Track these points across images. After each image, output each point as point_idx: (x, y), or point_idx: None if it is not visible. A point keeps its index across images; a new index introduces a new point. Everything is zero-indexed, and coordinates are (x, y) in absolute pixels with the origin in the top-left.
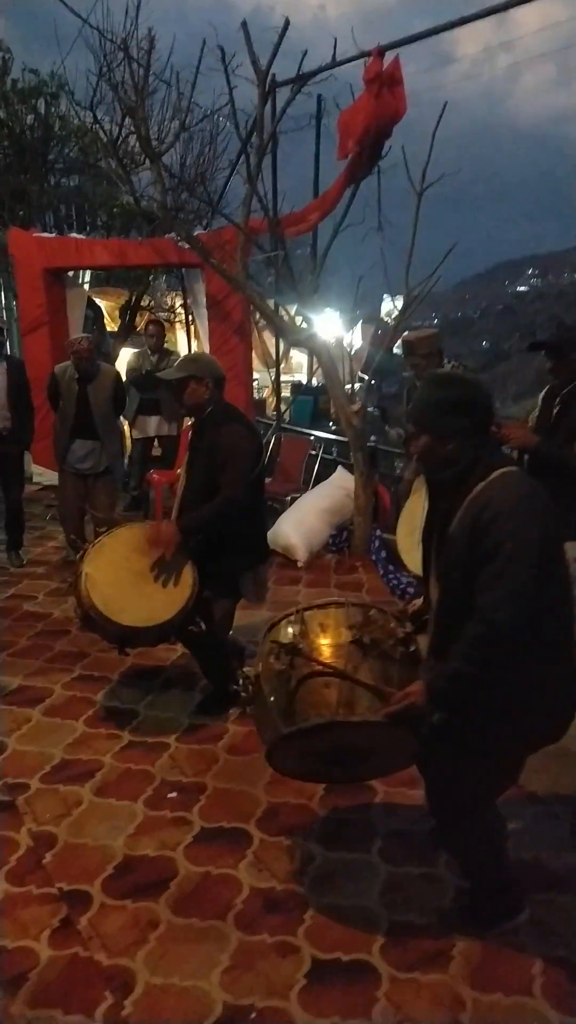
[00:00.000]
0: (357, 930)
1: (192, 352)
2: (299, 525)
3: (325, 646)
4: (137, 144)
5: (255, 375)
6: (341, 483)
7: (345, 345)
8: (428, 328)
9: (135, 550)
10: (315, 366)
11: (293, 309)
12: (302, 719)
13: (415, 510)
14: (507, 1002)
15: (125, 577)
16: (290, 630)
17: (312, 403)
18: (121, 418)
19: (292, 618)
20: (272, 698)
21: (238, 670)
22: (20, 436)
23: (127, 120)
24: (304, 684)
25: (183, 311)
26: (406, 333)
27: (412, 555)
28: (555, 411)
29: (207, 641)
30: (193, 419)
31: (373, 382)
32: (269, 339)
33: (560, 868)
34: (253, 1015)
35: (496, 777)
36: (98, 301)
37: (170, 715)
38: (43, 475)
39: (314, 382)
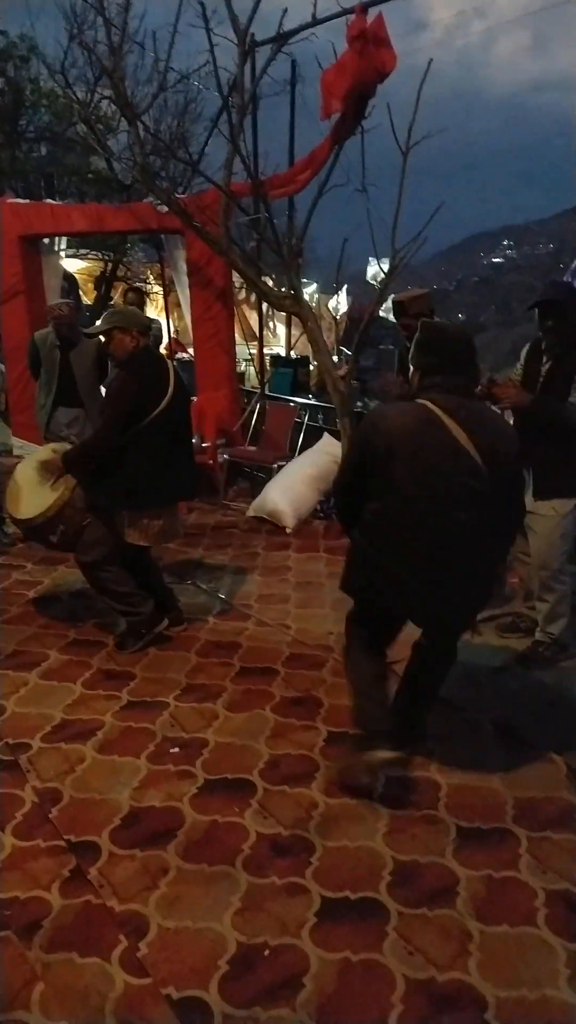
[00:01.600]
0: (363, 870)
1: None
2: (286, 492)
3: None
4: (109, 108)
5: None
6: (328, 449)
7: (332, 310)
8: (419, 289)
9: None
10: (294, 339)
11: (273, 277)
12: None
13: None
14: (513, 932)
15: (28, 485)
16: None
17: (292, 375)
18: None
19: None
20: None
21: (140, 605)
22: None
23: (99, 83)
24: None
25: (158, 283)
26: (393, 296)
27: None
28: (545, 367)
29: (80, 561)
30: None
31: (350, 354)
32: (250, 314)
33: (554, 809)
34: (267, 952)
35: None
36: (73, 272)
37: (169, 676)
38: (23, 448)
39: (293, 354)
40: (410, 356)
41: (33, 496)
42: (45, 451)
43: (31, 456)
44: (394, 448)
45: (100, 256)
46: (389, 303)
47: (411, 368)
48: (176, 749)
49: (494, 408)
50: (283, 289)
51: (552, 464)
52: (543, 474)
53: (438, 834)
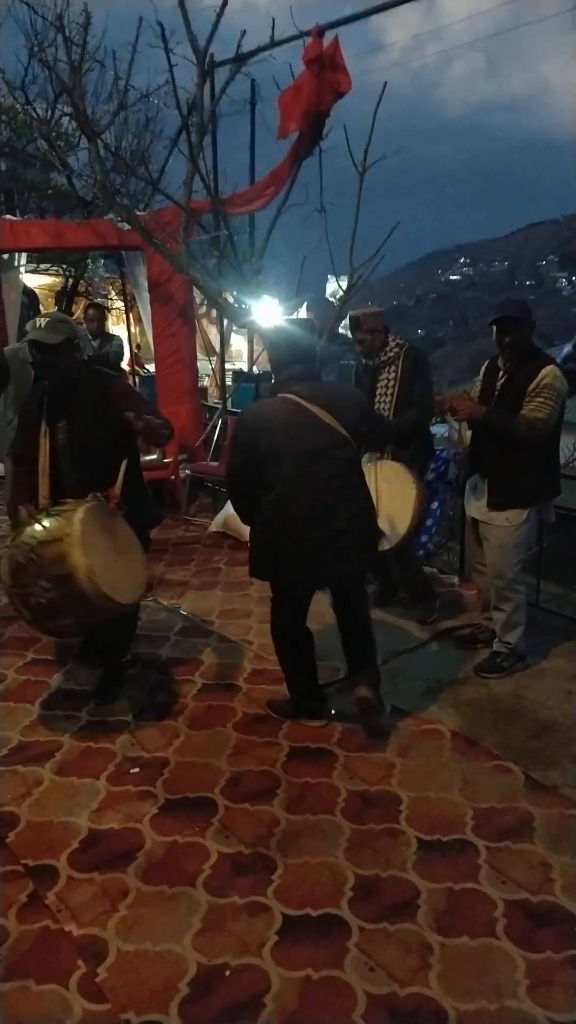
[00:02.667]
0: (325, 886)
1: (56, 312)
2: None
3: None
4: (70, 125)
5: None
6: None
7: None
8: (375, 307)
9: (102, 530)
10: (256, 354)
11: (234, 295)
12: None
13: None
14: (473, 944)
15: (111, 558)
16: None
17: (254, 390)
18: None
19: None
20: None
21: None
22: None
23: (59, 100)
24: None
25: (120, 298)
26: (350, 312)
27: None
28: (500, 382)
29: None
30: (53, 386)
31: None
32: (210, 328)
33: (513, 819)
34: (227, 972)
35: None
36: (33, 287)
37: (128, 695)
38: None
39: (255, 370)
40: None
41: (124, 573)
42: (88, 514)
43: (81, 536)
44: (275, 442)
45: (60, 271)
46: (348, 320)
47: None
48: (136, 769)
49: (451, 420)
50: (243, 306)
51: (506, 475)
52: (497, 484)
53: (399, 847)
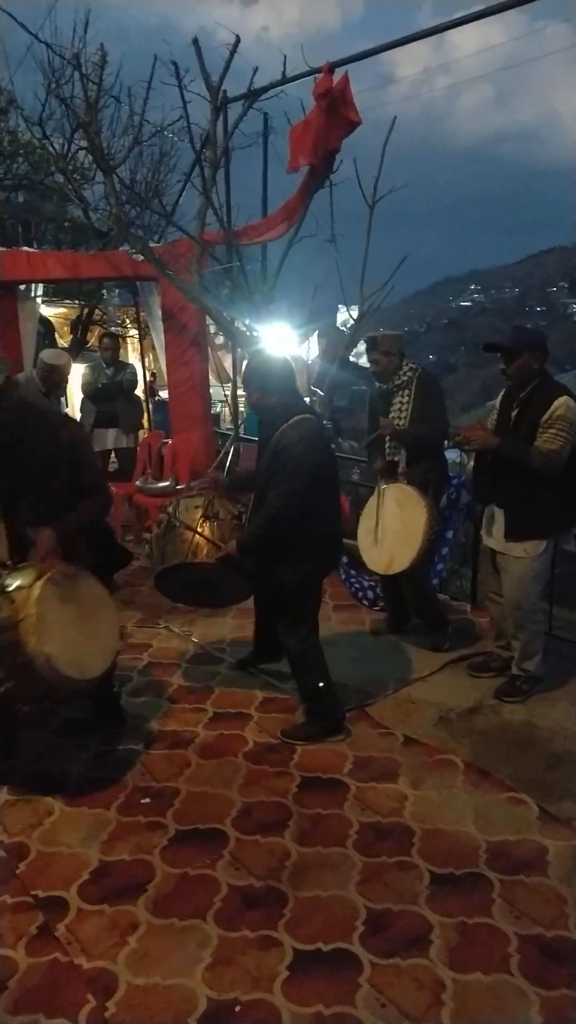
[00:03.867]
0: (336, 920)
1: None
2: None
3: (189, 515)
4: (86, 160)
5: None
6: None
7: (302, 356)
8: (392, 331)
9: (63, 601)
10: None
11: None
12: (171, 561)
13: (371, 512)
14: (487, 980)
15: (74, 632)
16: (169, 508)
17: None
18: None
19: (171, 500)
20: (155, 546)
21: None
22: None
23: (76, 135)
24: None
25: (134, 326)
26: (368, 333)
27: (370, 553)
28: (514, 413)
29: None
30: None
31: (323, 395)
32: (225, 356)
33: (526, 852)
34: (238, 1008)
35: (303, 598)
36: (48, 316)
37: (139, 723)
38: None
39: None
40: (257, 385)
41: (93, 644)
42: (47, 590)
43: (37, 620)
44: (326, 458)
45: (75, 303)
46: (360, 347)
47: (254, 392)
48: (147, 800)
49: (463, 450)
50: (255, 334)
51: (523, 505)
52: (514, 515)
53: (411, 880)
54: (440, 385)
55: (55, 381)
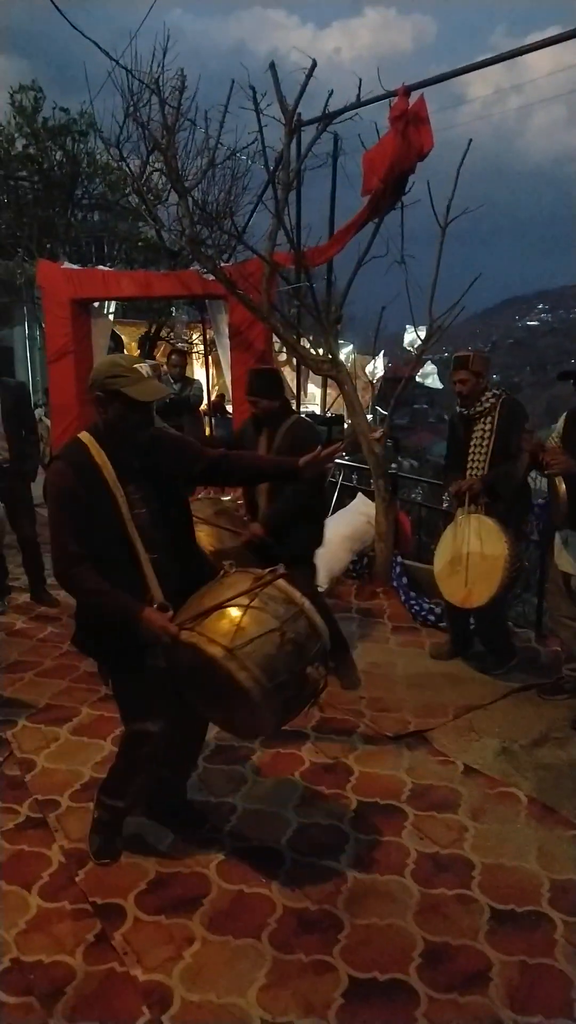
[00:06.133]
0: (393, 950)
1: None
2: (320, 551)
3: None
4: (160, 180)
5: None
6: (362, 509)
7: (368, 373)
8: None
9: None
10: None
11: (309, 339)
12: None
13: (448, 541)
14: None
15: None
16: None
17: (326, 433)
18: None
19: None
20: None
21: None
22: (22, 466)
23: (151, 158)
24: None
25: (201, 342)
26: (458, 352)
27: (447, 583)
28: None
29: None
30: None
31: (387, 414)
32: (287, 373)
33: None
34: None
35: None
36: (118, 332)
37: None
38: None
39: (328, 413)
40: (266, 394)
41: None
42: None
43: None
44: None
45: (145, 323)
46: (425, 368)
47: (263, 400)
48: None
49: (543, 474)
50: (320, 351)
51: None
52: None
53: (471, 915)
54: (526, 413)
55: None
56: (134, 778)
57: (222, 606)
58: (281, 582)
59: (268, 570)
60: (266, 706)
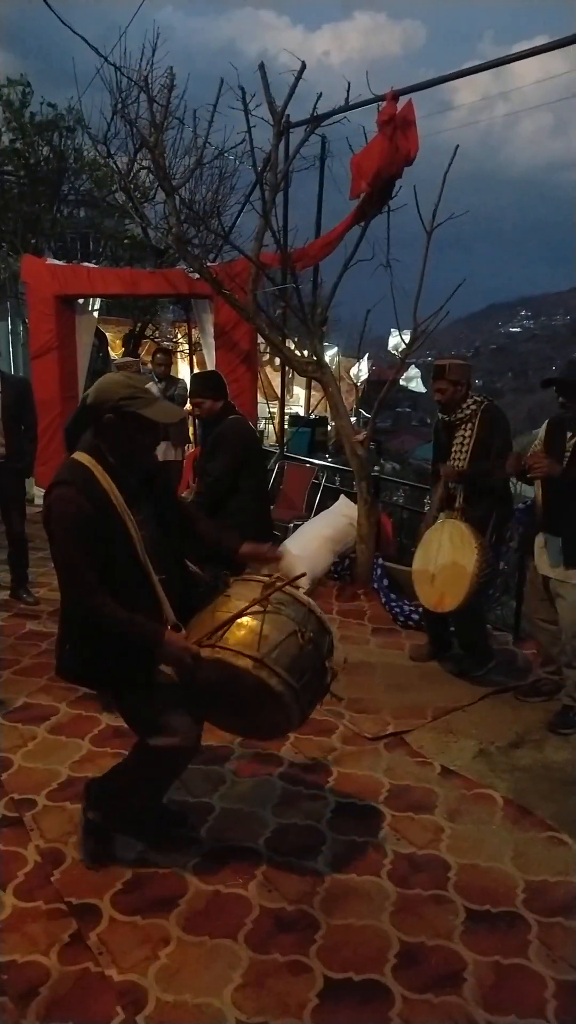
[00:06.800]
0: (368, 951)
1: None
2: (302, 551)
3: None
4: (148, 178)
5: None
6: (344, 511)
7: (352, 376)
8: (462, 358)
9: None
10: (313, 400)
11: (295, 341)
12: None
13: (428, 544)
14: None
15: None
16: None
17: (310, 435)
18: None
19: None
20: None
21: None
22: (18, 463)
23: (139, 155)
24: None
25: (186, 341)
26: (437, 360)
27: (423, 587)
28: (571, 442)
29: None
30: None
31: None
32: (271, 374)
33: (567, 893)
34: None
35: None
36: (103, 329)
37: None
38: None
39: (312, 415)
40: (211, 395)
41: None
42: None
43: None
44: (253, 444)
45: (130, 320)
46: (409, 372)
47: (207, 401)
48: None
49: (526, 480)
50: (305, 353)
51: None
52: (573, 543)
53: (446, 915)
54: (507, 419)
55: None
56: (146, 792)
57: (241, 615)
58: (288, 587)
59: (275, 576)
60: (296, 705)
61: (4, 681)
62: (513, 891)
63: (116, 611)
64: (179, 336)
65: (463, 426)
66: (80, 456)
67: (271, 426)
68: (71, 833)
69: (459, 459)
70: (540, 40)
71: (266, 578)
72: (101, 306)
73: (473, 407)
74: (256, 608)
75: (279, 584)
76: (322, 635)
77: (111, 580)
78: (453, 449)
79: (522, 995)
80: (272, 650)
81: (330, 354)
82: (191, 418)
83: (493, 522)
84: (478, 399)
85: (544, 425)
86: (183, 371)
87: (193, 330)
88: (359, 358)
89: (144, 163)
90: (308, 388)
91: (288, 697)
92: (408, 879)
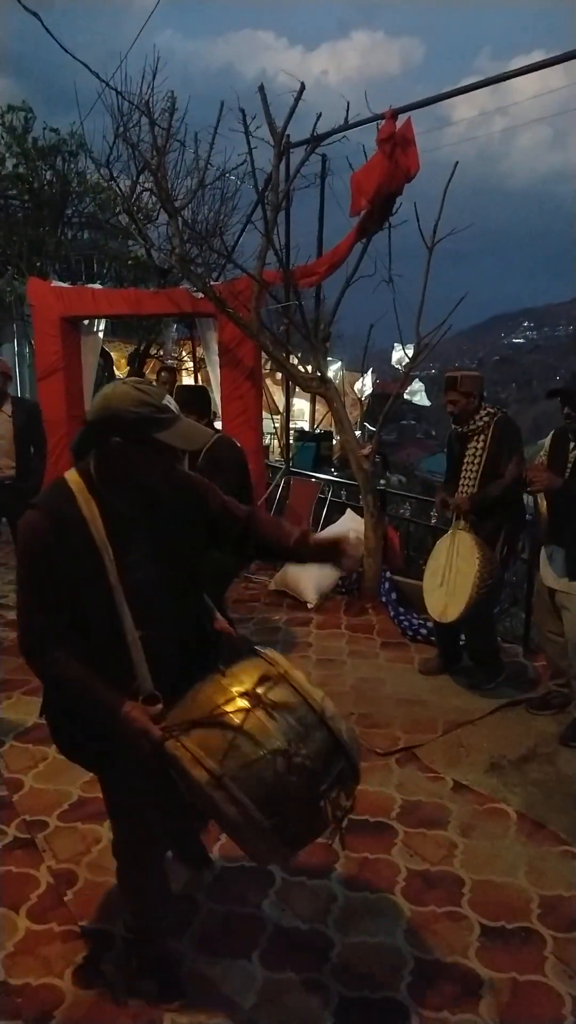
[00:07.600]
0: (383, 969)
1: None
2: (308, 566)
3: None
4: (150, 200)
5: None
6: (351, 525)
7: (357, 390)
8: (472, 370)
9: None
10: (318, 415)
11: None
12: None
13: (438, 553)
14: None
15: None
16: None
17: (315, 449)
18: None
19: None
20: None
21: None
22: (24, 485)
23: (141, 177)
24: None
25: (190, 359)
26: (448, 372)
27: (431, 596)
28: (573, 453)
29: None
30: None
31: (375, 430)
32: (275, 389)
33: None
34: None
35: None
36: (108, 350)
37: None
38: None
39: (317, 429)
40: (197, 408)
41: None
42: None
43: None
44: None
45: (134, 340)
46: (413, 385)
47: (193, 415)
48: None
49: (525, 491)
50: (309, 369)
51: None
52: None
53: (461, 932)
54: (519, 431)
55: None
56: (143, 885)
57: (217, 713)
58: (298, 676)
59: (280, 666)
60: (260, 841)
61: (14, 702)
62: (528, 906)
63: (67, 668)
64: (184, 354)
65: (476, 437)
66: (69, 475)
67: (275, 441)
68: (83, 854)
69: (471, 471)
70: (537, 55)
71: (267, 663)
72: (106, 326)
73: (486, 418)
74: (243, 703)
75: (277, 673)
76: (330, 759)
77: (75, 627)
78: (465, 460)
79: (539, 1012)
80: (240, 768)
81: (334, 369)
82: None
83: (503, 535)
84: (491, 410)
85: (549, 436)
86: None
87: (197, 348)
88: (363, 372)
89: (146, 185)
90: (312, 402)
91: (248, 832)
92: (422, 896)
